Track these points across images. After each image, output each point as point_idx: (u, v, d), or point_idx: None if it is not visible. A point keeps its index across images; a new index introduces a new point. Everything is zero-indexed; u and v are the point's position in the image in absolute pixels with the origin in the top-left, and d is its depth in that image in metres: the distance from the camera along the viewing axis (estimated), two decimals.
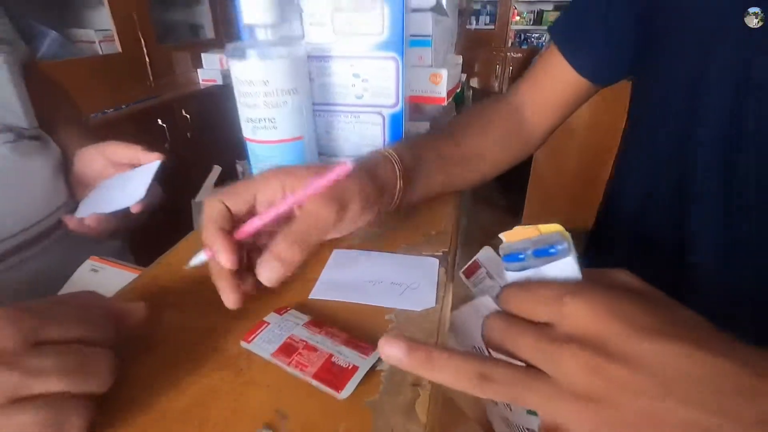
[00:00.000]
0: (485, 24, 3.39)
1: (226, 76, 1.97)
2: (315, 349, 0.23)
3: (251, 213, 0.28)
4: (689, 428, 0.16)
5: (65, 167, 0.50)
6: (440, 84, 0.50)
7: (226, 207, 0.27)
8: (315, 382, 0.22)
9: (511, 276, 0.22)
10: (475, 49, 3.25)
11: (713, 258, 0.35)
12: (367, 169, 0.31)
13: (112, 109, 1.43)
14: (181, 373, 0.24)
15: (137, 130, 1.49)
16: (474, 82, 3.42)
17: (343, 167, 0.25)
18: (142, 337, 0.26)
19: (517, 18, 3.36)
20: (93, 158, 0.49)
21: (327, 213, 0.26)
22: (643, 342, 0.17)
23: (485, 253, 0.26)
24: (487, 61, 3.34)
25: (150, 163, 0.47)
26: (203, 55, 1.94)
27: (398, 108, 0.41)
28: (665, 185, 0.38)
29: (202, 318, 0.28)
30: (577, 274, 0.20)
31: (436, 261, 0.33)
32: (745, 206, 0.32)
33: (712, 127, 0.33)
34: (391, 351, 0.19)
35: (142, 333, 0.26)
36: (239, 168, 0.79)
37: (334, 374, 0.22)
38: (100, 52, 1.53)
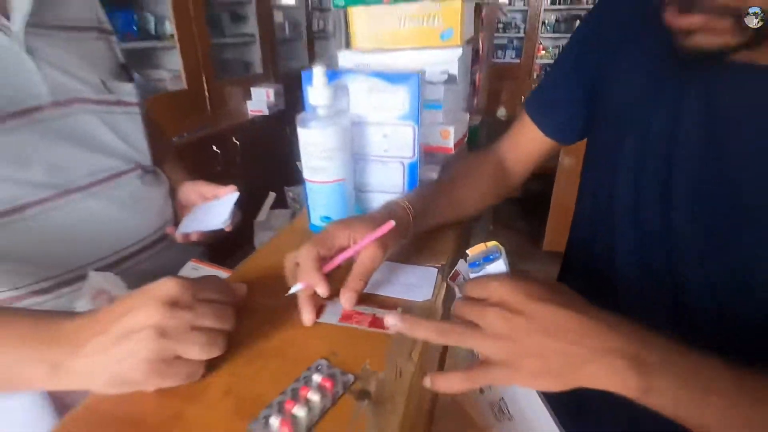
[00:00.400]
0: (511, 58, 3.56)
1: (270, 107, 2.21)
2: (361, 314, 0.39)
3: (332, 255, 0.41)
4: (559, 353, 0.30)
5: (172, 194, 0.68)
6: (449, 138, 0.65)
7: (317, 252, 0.40)
8: (370, 329, 0.37)
9: (473, 275, 0.36)
10: (502, 80, 3.43)
11: (631, 274, 0.47)
12: (396, 219, 0.45)
13: (176, 138, 1.67)
14: (271, 331, 0.39)
15: (195, 155, 1.71)
16: (501, 111, 3.59)
17: (388, 224, 0.41)
18: (244, 307, 0.42)
19: (543, 52, 3.51)
20: (190, 191, 0.67)
21: (379, 255, 0.41)
22: (532, 303, 0.31)
23: (462, 265, 0.40)
24: (513, 92, 3.51)
25: (230, 195, 0.65)
26: (252, 89, 2.18)
27: (414, 159, 0.57)
28: (595, 215, 0.52)
29: (284, 301, 0.43)
30: (504, 270, 0.34)
31: (435, 270, 0.48)
32: (652, 234, 0.45)
33: (623, 183, 0.46)
34: (391, 320, 0.33)
35: (245, 305, 0.42)
36: (290, 194, 0.97)
37: (378, 324, 0.37)
38: (169, 89, 1.78)
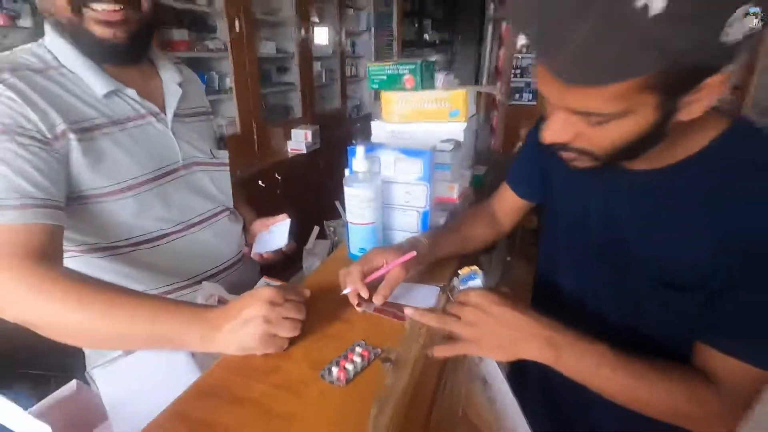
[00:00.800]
0: (528, 101, 3.80)
1: (308, 146, 2.50)
2: (386, 310, 0.60)
3: (370, 271, 0.63)
4: (505, 336, 0.50)
5: (244, 228, 0.92)
6: (454, 191, 0.87)
7: (361, 268, 0.63)
8: (394, 319, 0.58)
9: (462, 287, 0.57)
10: (520, 120, 3.65)
11: (569, 295, 0.67)
12: (416, 251, 0.66)
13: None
14: (328, 322, 0.61)
15: (245, 190, 1.99)
16: (519, 146, 3.81)
17: (411, 254, 0.63)
18: (309, 307, 0.63)
19: None
20: (258, 225, 0.91)
21: (402, 275, 0.63)
22: (492, 306, 0.51)
23: (455, 281, 0.61)
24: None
25: (284, 222, 0.89)
26: (293, 131, 2.47)
27: (427, 208, 0.79)
28: (548, 256, 0.72)
29: (334, 303, 0.65)
30: (480, 285, 0.55)
31: (438, 288, 0.69)
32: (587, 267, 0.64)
33: (561, 243, 0.67)
34: (408, 311, 0.55)
35: (310, 305, 0.63)
36: (330, 228, 1.20)
37: (398, 317, 0.58)
38: (225, 133, 2.09)
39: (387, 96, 0.96)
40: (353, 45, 3.57)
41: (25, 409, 0.48)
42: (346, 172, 0.80)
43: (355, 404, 0.47)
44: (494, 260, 2.26)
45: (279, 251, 0.86)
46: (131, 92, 0.70)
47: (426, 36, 5.93)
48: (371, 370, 0.52)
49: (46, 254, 0.55)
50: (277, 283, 0.79)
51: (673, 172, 0.51)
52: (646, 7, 0.33)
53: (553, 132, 0.48)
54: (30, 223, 0.55)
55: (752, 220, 0.44)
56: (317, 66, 2.91)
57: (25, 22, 1.32)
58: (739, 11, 0.33)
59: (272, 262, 0.88)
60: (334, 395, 0.48)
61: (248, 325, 0.52)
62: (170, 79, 0.78)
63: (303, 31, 2.58)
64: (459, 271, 0.60)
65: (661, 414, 0.49)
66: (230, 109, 2.12)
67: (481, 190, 1.20)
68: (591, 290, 0.63)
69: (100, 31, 0.63)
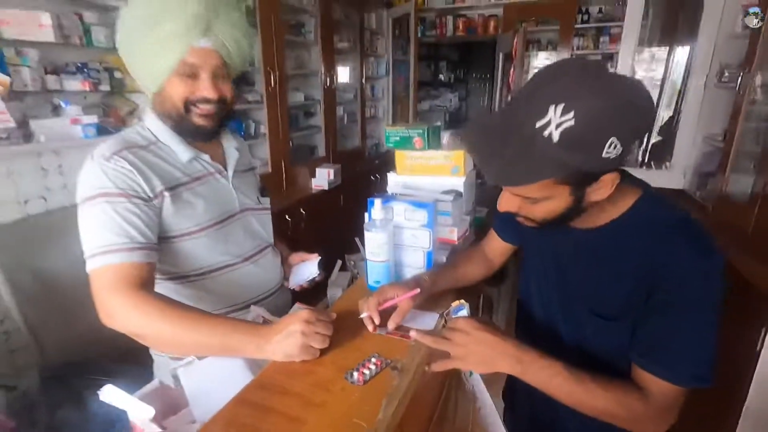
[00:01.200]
0: None
1: (330, 183, 2.73)
2: (397, 333, 0.78)
3: (384, 302, 0.81)
4: (484, 354, 0.67)
5: (282, 260, 1.12)
6: (454, 234, 1.06)
7: (377, 299, 0.81)
8: (402, 339, 0.76)
9: (453, 316, 0.74)
10: None
11: (537, 322, 0.83)
12: (420, 287, 0.84)
13: None
14: (350, 339, 0.78)
15: (274, 225, 2.22)
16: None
17: (415, 291, 0.80)
18: (335, 326, 0.81)
19: None
20: (293, 257, 1.10)
21: (410, 306, 0.81)
22: (474, 331, 0.68)
23: (450, 311, 0.78)
24: None
25: (315, 259, 1.08)
26: (317, 170, 2.71)
27: (430, 249, 0.97)
28: (523, 287, 0.88)
29: (355, 324, 0.83)
30: (466, 314, 0.72)
31: (437, 314, 0.86)
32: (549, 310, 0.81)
33: (531, 280, 0.84)
34: (413, 334, 0.72)
35: (336, 325, 0.81)
36: (350, 262, 1.39)
37: (406, 337, 0.76)
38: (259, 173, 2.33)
39: (400, 154, 1.16)
40: (372, 88, 3.87)
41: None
42: (366, 217, 0.99)
43: (370, 398, 0.64)
44: (505, 292, 2.40)
45: (312, 281, 1.06)
46: (206, 157, 0.92)
47: (441, 76, 6.28)
48: (383, 375, 0.69)
49: (145, 283, 0.75)
50: (308, 307, 0.97)
51: (600, 232, 0.68)
52: (551, 136, 0.53)
53: (503, 204, 0.67)
54: (136, 261, 0.75)
55: (655, 269, 0.61)
56: (340, 110, 3.20)
57: (104, 87, 1.60)
58: (613, 139, 0.52)
59: (304, 290, 1.07)
60: (354, 391, 0.65)
61: (290, 337, 0.70)
62: (230, 145, 1.00)
63: (328, 81, 2.87)
64: (452, 303, 0.77)
65: (599, 415, 0.64)
66: (263, 151, 2.38)
67: (482, 229, 1.38)
68: (552, 315, 0.79)
69: (200, 122, 0.86)
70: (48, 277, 1.41)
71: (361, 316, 0.80)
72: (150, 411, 0.64)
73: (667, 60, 3.33)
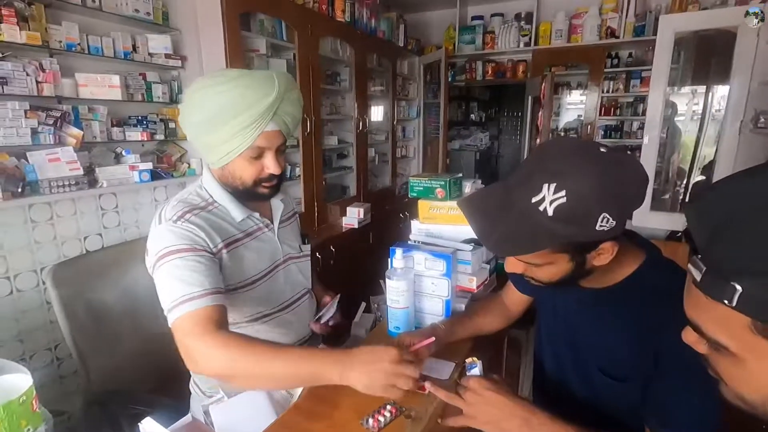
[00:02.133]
0: None
1: (360, 221, 2.81)
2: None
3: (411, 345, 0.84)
4: (493, 415, 0.69)
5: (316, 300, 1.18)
6: (473, 283, 1.09)
7: (404, 341, 0.85)
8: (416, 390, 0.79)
9: (468, 373, 0.78)
10: None
11: (548, 376, 0.84)
12: (435, 335, 0.87)
13: None
14: None
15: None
16: None
17: (430, 340, 0.84)
18: None
19: None
20: (325, 298, 1.16)
21: (426, 354, 0.84)
22: (485, 391, 0.70)
23: (464, 364, 0.81)
24: None
25: (335, 298, 1.13)
26: (348, 208, 2.81)
27: (449, 297, 1.01)
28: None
29: None
30: (478, 373, 0.75)
31: (454, 363, 0.89)
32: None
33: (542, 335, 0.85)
34: (428, 386, 0.75)
35: None
36: (374, 303, 1.44)
37: (421, 387, 0.79)
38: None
39: (422, 203, 1.23)
40: (404, 129, 4.02)
41: None
42: (389, 264, 1.05)
43: None
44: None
45: (325, 324, 1.10)
46: (256, 214, 0.99)
47: (472, 116, 6.41)
48: (397, 422, 0.73)
49: (222, 325, 0.78)
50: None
51: (608, 292, 0.71)
52: (545, 211, 0.58)
53: (509, 267, 0.71)
54: (210, 305, 0.77)
55: (658, 334, 0.63)
56: (371, 151, 3.33)
57: (159, 136, 1.79)
58: (605, 215, 0.56)
59: (329, 332, 1.12)
60: None
61: (376, 373, 0.70)
62: (276, 199, 1.06)
63: (360, 125, 3.02)
64: (466, 360, 0.80)
65: None
66: (297, 191, 2.52)
67: (504, 275, 1.40)
68: (565, 373, 0.81)
69: (264, 192, 0.94)
70: (99, 309, 1.54)
71: None
72: None
73: (705, 97, 3.26)
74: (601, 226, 0.57)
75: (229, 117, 0.82)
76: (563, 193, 0.56)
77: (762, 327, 0.34)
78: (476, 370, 0.77)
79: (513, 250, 0.64)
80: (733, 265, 0.35)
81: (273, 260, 1.01)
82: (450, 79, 4.17)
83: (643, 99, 3.78)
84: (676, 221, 2.69)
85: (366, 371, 0.70)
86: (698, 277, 0.38)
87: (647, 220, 2.64)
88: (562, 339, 0.80)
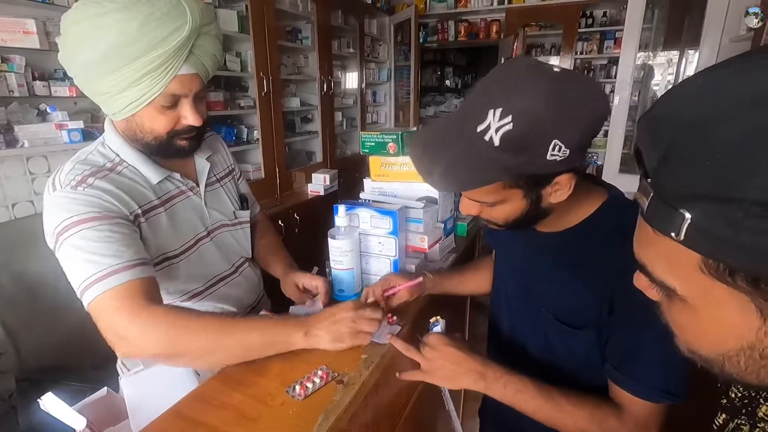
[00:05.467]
0: None
1: (326, 188, 2.71)
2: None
3: (388, 289, 0.80)
4: (450, 370, 0.64)
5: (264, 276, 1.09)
6: (424, 242, 1.03)
7: (381, 287, 0.81)
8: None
9: (431, 331, 0.72)
10: None
11: (500, 328, 0.79)
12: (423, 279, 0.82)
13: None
14: (302, 348, 0.76)
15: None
16: None
17: (418, 280, 0.80)
18: None
19: None
20: (289, 284, 1.06)
21: (410, 295, 0.80)
22: (443, 347, 0.66)
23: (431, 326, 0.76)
24: None
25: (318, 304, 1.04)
26: (313, 175, 2.70)
27: (396, 257, 0.94)
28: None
29: None
30: (441, 330, 0.70)
31: (398, 326, 0.83)
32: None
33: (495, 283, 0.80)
34: (391, 339, 0.71)
35: None
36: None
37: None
38: (252, 179, 2.33)
39: (374, 159, 1.14)
40: (374, 94, 3.87)
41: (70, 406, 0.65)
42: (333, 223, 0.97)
43: (308, 414, 0.61)
44: None
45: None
46: (177, 175, 0.85)
47: (447, 81, 6.26)
48: (327, 389, 0.66)
49: (155, 299, 0.69)
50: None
51: (565, 235, 0.65)
52: (491, 140, 0.50)
53: (464, 208, 0.64)
54: (139, 277, 0.67)
55: (617, 278, 0.57)
56: (339, 116, 3.19)
57: None
58: (556, 142, 0.49)
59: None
60: (293, 406, 0.63)
61: (339, 323, 0.70)
62: (200, 158, 0.93)
63: (325, 87, 2.87)
64: (430, 320, 0.74)
65: (570, 430, 0.61)
66: (257, 156, 2.39)
67: (465, 237, 1.34)
68: (518, 327, 0.76)
69: (182, 145, 0.80)
70: (29, 282, 1.42)
71: (368, 300, 0.82)
72: (81, 422, 0.62)
73: (678, 64, 3.24)
74: (552, 155, 0.50)
75: (127, 57, 0.67)
76: (509, 118, 0.49)
77: (715, 266, 0.27)
78: (438, 328, 0.72)
79: (458, 185, 0.58)
80: (682, 188, 0.27)
81: (200, 230, 0.89)
82: (421, 40, 4.02)
83: (616, 61, 3.73)
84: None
85: (329, 325, 0.70)
86: (645, 206, 0.31)
87: (616, 182, 2.64)
88: (517, 289, 0.75)
